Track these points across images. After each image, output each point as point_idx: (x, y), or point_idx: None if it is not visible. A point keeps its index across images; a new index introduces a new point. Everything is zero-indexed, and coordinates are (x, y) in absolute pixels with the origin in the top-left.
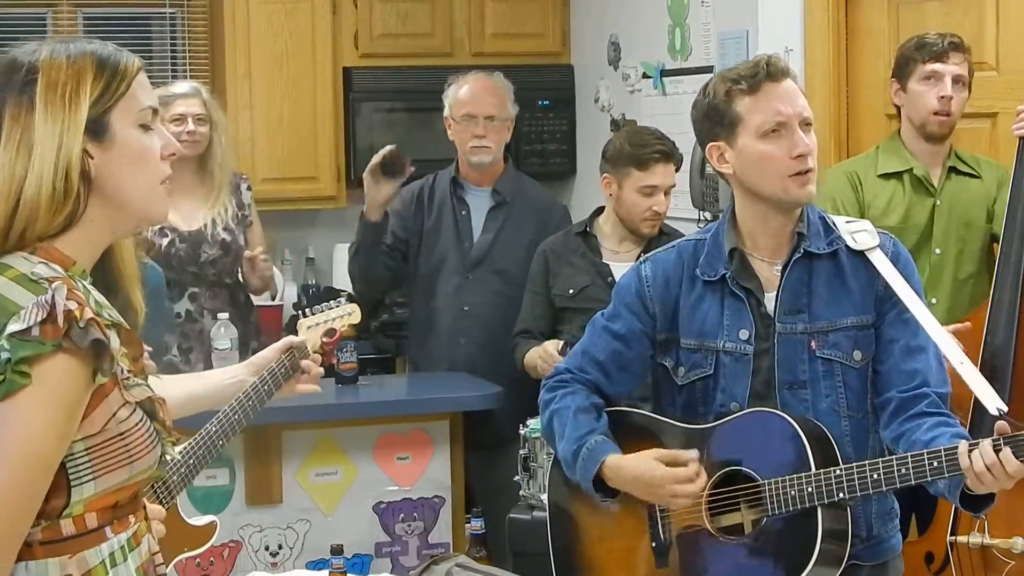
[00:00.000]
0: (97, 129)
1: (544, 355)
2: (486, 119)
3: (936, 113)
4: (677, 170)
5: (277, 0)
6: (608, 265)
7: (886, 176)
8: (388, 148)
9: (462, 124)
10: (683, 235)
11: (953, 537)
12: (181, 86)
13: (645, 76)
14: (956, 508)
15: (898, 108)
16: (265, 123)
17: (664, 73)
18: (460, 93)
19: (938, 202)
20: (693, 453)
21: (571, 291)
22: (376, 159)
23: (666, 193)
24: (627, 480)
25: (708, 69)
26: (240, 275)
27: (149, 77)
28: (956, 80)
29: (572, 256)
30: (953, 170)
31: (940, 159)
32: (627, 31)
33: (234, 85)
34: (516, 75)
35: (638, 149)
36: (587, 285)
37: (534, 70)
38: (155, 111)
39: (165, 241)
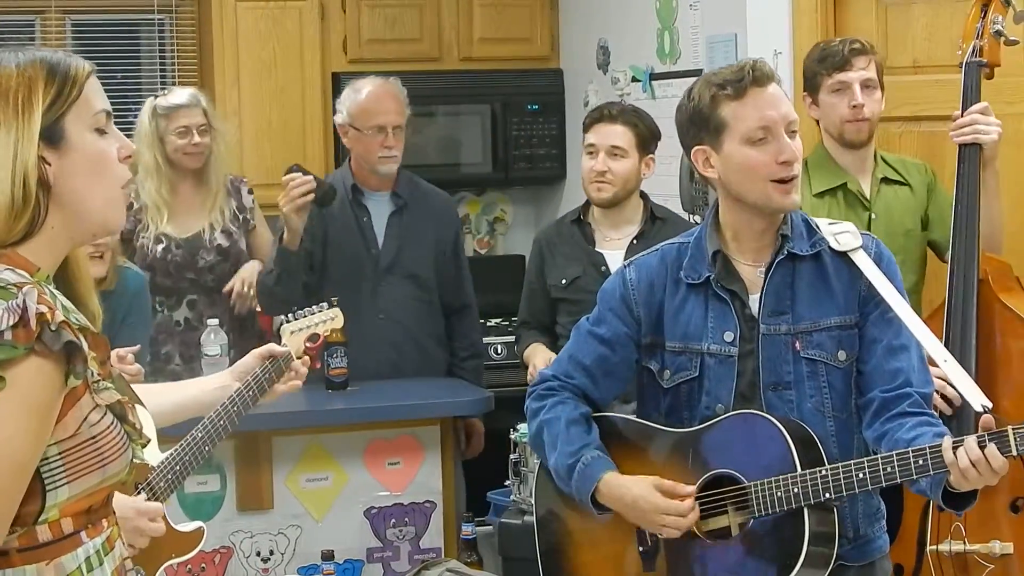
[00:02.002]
0: (52, 135)
1: (534, 373)
2: (394, 129)
3: (851, 121)
4: (641, 136)
5: (265, 6)
6: (601, 254)
7: (820, 195)
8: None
9: (369, 134)
10: (677, 216)
11: (934, 547)
12: (180, 95)
13: (634, 80)
14: (924, 518)
15: (816, 120)
16: (254, 129)
17: (653, 76)
18: (363, 102)
19: (873, 215)
20: (691, 489)
21: (563, 281)
22: (301, 190)
23: (612, 155)
24: (622, 502)
25: (697, 72)
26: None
27: (138, 84)
28: (865, 85)
29: (565, 245)
30: (884, 180)
31: (868, 167)
32: (616, 35)
33: (223, 91)
34: (505, 80)
35: (587, 116)
36: (579, 276)
37: (523, 75)
38: (109, 114)
39: (160, 248)
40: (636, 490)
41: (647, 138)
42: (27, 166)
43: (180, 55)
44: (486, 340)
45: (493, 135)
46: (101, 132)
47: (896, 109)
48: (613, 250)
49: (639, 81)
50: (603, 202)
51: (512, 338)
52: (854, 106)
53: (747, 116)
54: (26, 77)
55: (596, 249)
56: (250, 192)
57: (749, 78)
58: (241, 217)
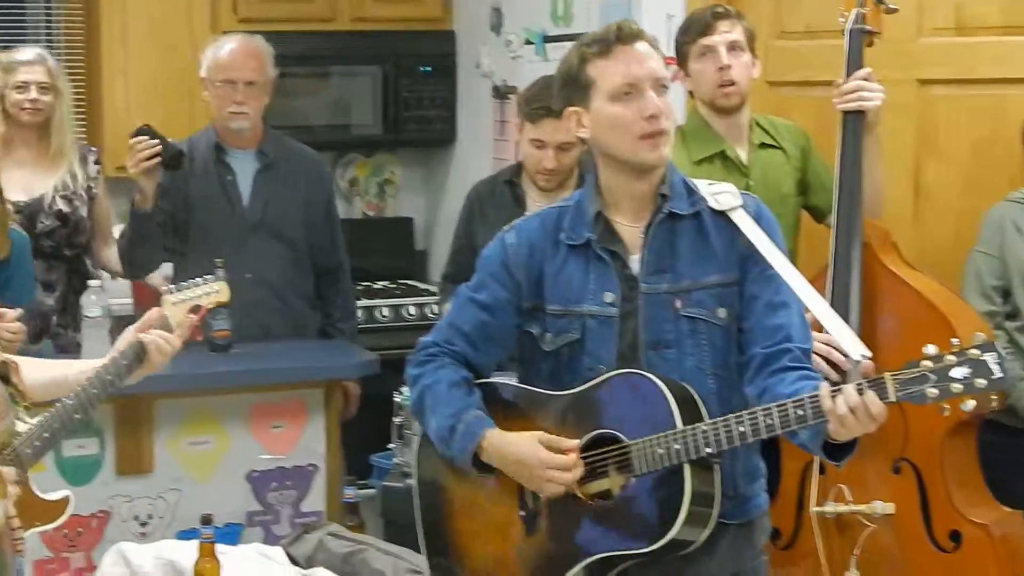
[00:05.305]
0: None
1: None
2: (246, 85)
3: (721, 85)
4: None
5: None
6: None
7: (699, 163)
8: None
9: (221, 89)
10: None
11: (819, 508)
12: (26, 52)
13: (527, 42)
14: (803, 483)
15: (690, 92)
16: (140, 89)
17: (546, 39)
18: (219, 56)
19: (751, 182)
20: (574, 443)
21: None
22: (147, 153)
23: (561, 149)
24: (505, 458)
25: None
26: (82, 248)
27: (23, 41)
28: (731, 47)
29: (496, 206)
30: (760, 145)
31: (744, 133)
32: None
33: (110, 49)
34: (397, 41)
35: (530, 103)
36: None
37: (415, 36)
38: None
39: None
40: (520, 445)
41: None
42: None
43: (67, 11)
44: (373, 302)
45: (384, 96)
46: None
47: (789, 74)
48: None
49: (532, 44)
50: (549, 190)
51: (397, 301)
52: (720, 68)
53: (613, 72)
54: None
55: (525, 213)
56: (96, 162)
57: (614, 36)
58: (86, 185)
